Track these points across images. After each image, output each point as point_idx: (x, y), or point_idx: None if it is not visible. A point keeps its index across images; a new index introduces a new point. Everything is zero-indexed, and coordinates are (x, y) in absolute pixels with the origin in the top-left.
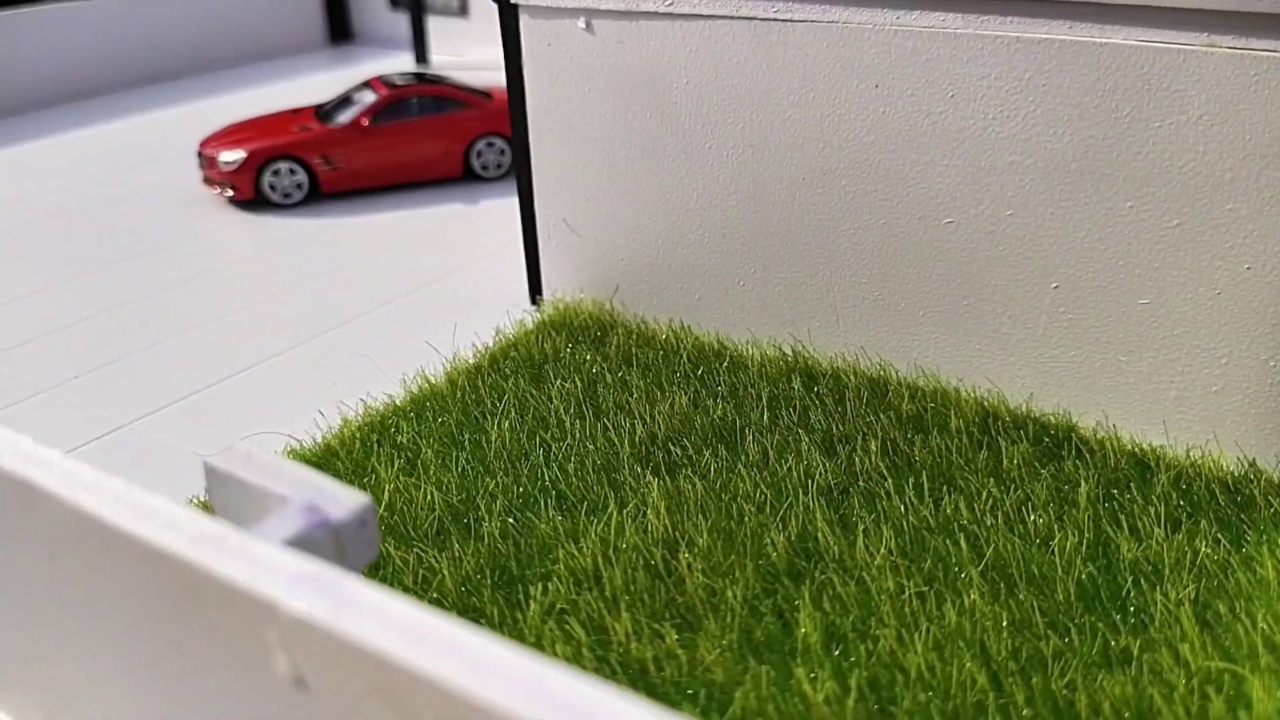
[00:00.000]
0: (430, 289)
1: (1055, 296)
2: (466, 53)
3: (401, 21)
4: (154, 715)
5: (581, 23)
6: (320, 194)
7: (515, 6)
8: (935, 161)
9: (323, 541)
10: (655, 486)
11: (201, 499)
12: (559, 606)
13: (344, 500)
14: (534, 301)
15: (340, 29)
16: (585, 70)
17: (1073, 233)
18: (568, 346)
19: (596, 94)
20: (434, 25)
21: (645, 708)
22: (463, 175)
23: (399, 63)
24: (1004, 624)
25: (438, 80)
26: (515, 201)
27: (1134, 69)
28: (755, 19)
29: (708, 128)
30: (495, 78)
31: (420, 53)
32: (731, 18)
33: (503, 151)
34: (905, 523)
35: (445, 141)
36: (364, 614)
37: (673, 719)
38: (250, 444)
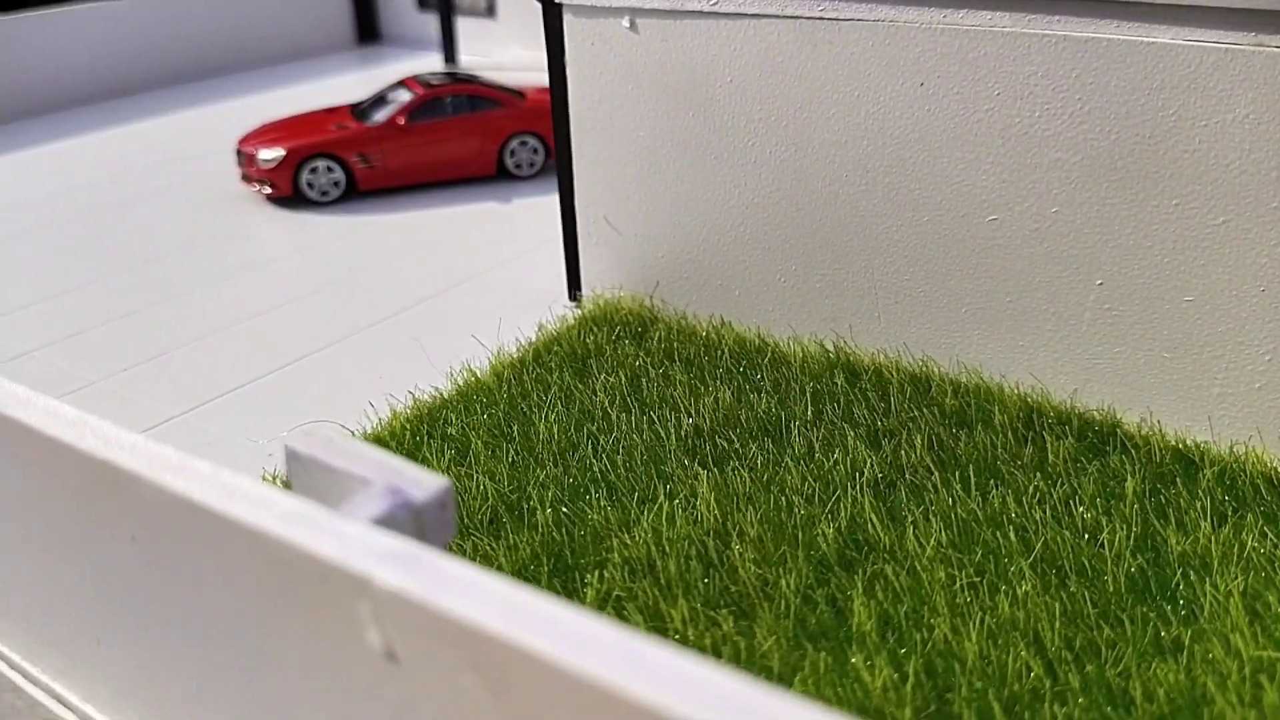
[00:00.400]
0: (469, 285)
1: (1099, 293)
2: (494, 53)
3: (428, 22)
4: (233, 691)
5: (626, 22)
6: (356, 192)
7: (559, 6)
8: (980, 159)
9: (405, 522)
10: (704, 478)
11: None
12: (615, 594)
13: (425, 483)
14: (573, 298)
15: (368, 30)
16: (628, 69)
17: (1118, 230)
18: (609, 341)
19: (639, 92)
20: (462, 26)
21: (728, 674)
22: (496, 174)
23: (426, 63)
24: (1056, 614)
25: (472, 79)
26: (549, 200)
27: (1181, 68)
28: (800, 18)
29: (751, 126)
30: (523, 78)
31: (449, 53)
32: (776, 17)
33: (536, 150)
34: (953, 515)
35: (479, 140)
36: (457, 588)
37: (740, 677)
38: (329, 430)
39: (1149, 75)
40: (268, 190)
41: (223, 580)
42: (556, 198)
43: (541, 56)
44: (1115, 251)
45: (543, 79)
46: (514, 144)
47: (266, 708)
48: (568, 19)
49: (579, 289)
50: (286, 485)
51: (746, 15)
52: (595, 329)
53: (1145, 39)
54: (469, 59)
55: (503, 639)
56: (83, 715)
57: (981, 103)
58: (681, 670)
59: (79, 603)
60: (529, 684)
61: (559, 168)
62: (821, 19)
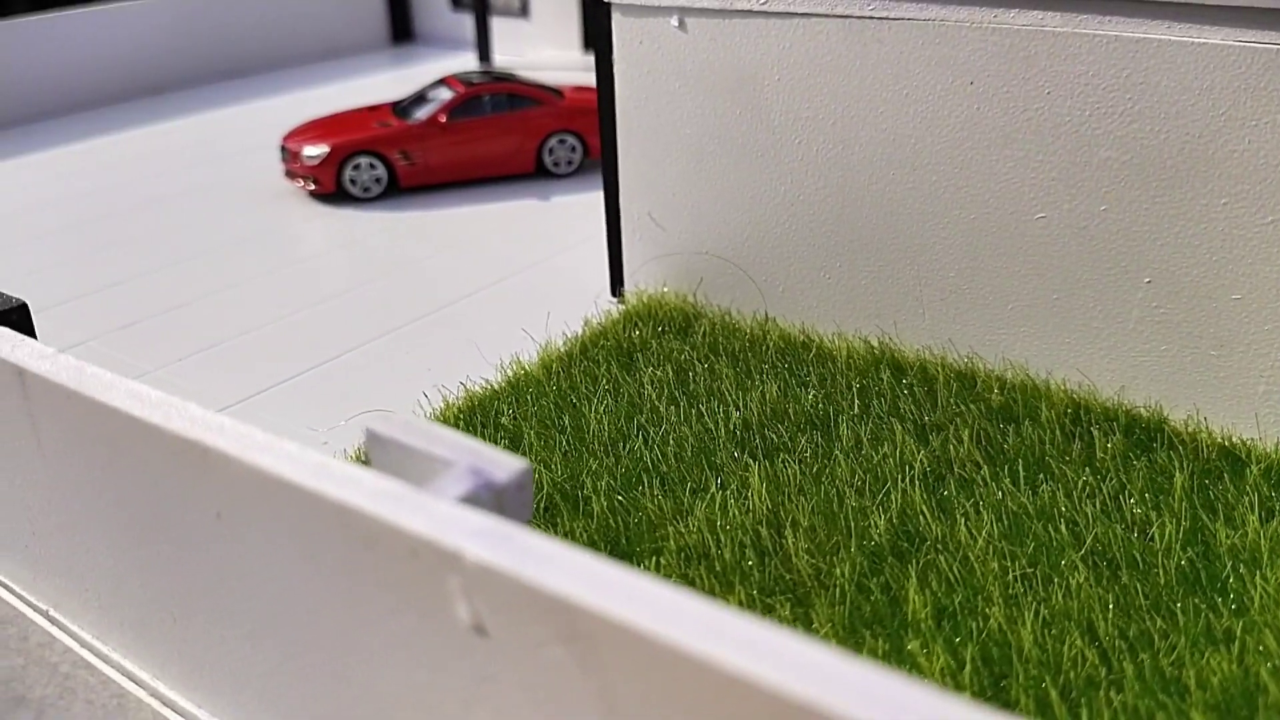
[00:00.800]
0: (511, 281)
1: (1147, 291)
2: (527, 53)
3: (461, 22)
4: (312, 665)
5: (674, 21)
6: (397, 188)
7: (608, 5)
8: (1029, 157)
9: (487, 502)
10: (754, 469)
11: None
12: (671, 580)
13: (505, 464)
14: (615, 294)
15: (402, 29)
16: (676, 67)
17: (1166, 228)
18: (654, 336)
19: (686, 90)
20: (495, 26)
21: (813, 643)
22: (534, 171)
23: (458, 62)
24: (1109, 605)
25: (511, 78)
26: (588, 197)
27: (1231, 68)
28: (850, 17)
29: (798, 123)
30: (555, 77)
31: (484, 52)
32: (826, 16)
33: (574, 149)
34: (1004, 509)
35: (518, 138)
36: (547, 563)
37: (822, 645)
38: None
39: (1199, 75)
40: (311, 186)
41: (308, 556)
42: (595, 195)
43: (573, 55)
44: (1163, 250)
45: (574, 78)
46: (553, 142)
47: (347, 681)
48: (616, 18)
49: (622, 285)
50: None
51: (796, 14)
52: (640, 324)
53: (1196, 40)
54: (502, 58)
55: (595, 611)
56: (153, 691)
57: (1031, 101)
58: (770, 640)
59: (155, 580)
60: (619, 655)
61: (604, 165)
62: (871, 18)
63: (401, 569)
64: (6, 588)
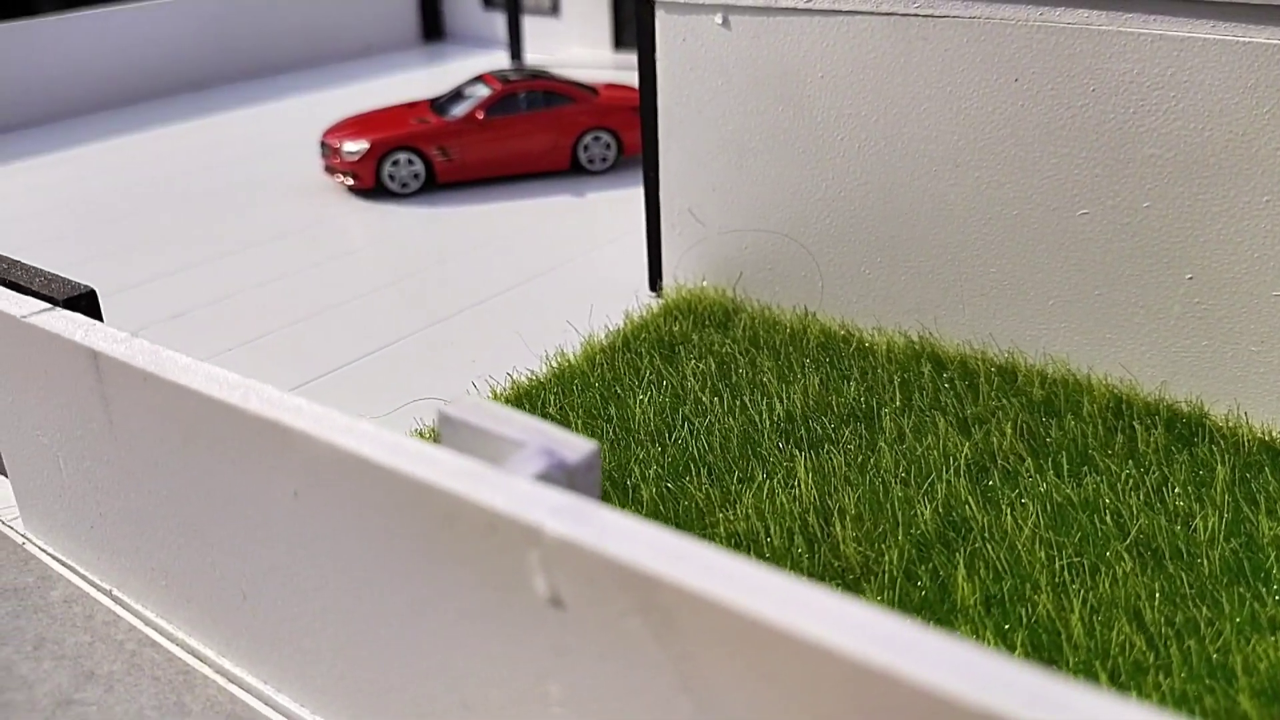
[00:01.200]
0: (550, 275)
1: (1189, 287)
2: (557, 51)
3: (491, 20)
4: (385, 638)
5: (718, 19)
6: (434, 184)
7: (652, 3)
8: (1073, 154)
9: (559, 481)
10: (800, 460)
11: None
12: None
13: (575, 445)
14: (654, 288)
15: (433, 28)
16: (719, 64)
17: (1209, 225)
18: (695, 329)
19: (729, 87)
20: (526, 24)
21: (885, 613)
22: (569, 168)
23: (489, 60)
24: (1155, 593)
25: (547, 76)
26: (622, 193)
27: (1276, 67)
28: (895, 14)
29: (841, 120)
30: (585, 75)
31: (515, 50)
32: (871, 14)
33: (608, 145)
34: (1049, 500)
35: (554, 135)
36: (626, 538)
37: (895, 616)
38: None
39: (1244, 74)
40: (350, 181)
41: (385, 532)
42: (629, 191)
43: (603, 54)
44: (1205, 246)
45: (603, 76)
46: (588, 139)
47: (420, 654)
48: (660, 15)
49: (660, 280)
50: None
51: (841, 12)
52: (680, 317)
53: (1241, 39)
54: (533, 57)
55: (674, 583)
56: (218, 667)
57: (1076, 99)
58: (850, 611)
59: (226, 559)
60: (697, 625)
61: (645, 161)
62: (917, 15)
63: (480, 544)
64: (70, 568)
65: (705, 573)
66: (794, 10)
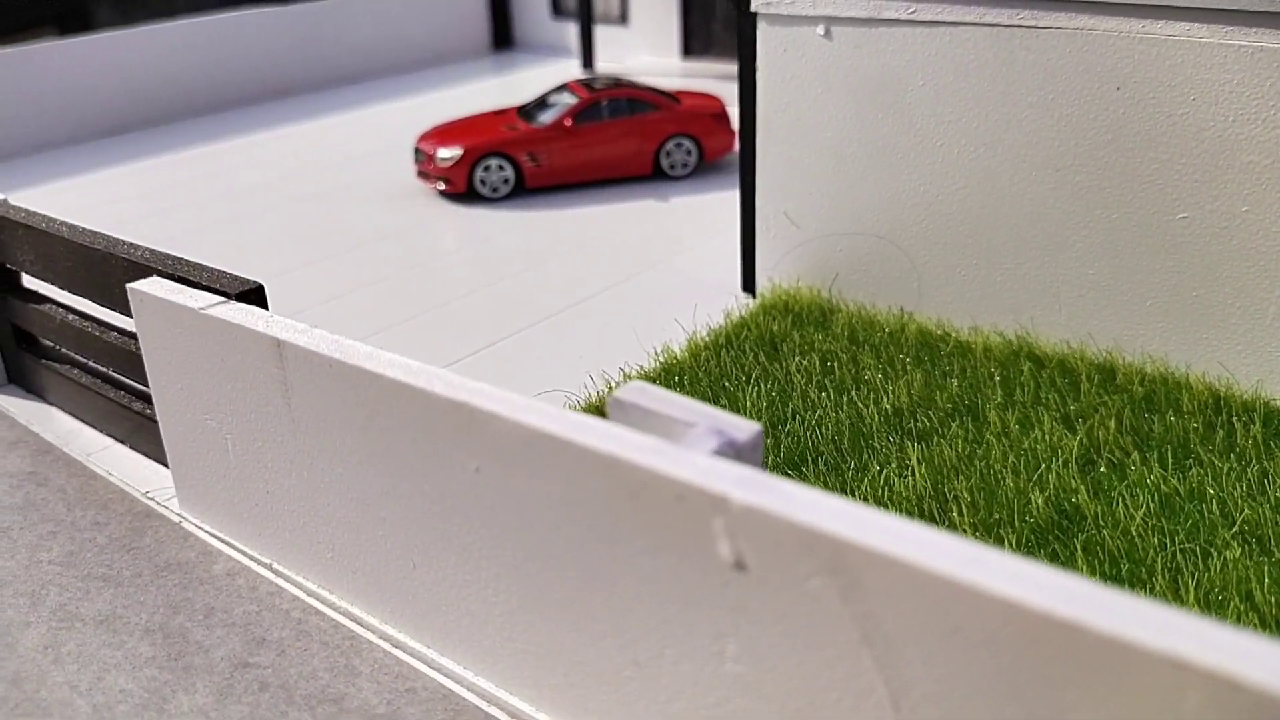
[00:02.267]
0: (643, 276)
1: None
2: (626, 59)
3: (559, 29)
4: (560, 604)
5: (821, 29)
6: (523, 189)
7: (754, 14)
8: (1173, 160)
9: (730, 458)
10: (911, 450)
11: None
12: None
13: (742, 425)
14: (747, 289)
15: (503, 36)
16: (819, 73)
17: None
18: (795, 328)
19: (829, 95)
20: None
21: (1063, 573)
22: (651, 173)
23: (559, 68)
24: (1264, 577)
25: (630, 84)
26: (705, 198)
27: None
28: (998, 25)
29: (941, 126)
30: (656, 83)
31: (588, 58)
32: (974, 25)
33: (690, 152)
34: (1157, 490)
35: (638, 141)
36: (808, 505)
37: (1074, 576)
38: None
39: None
40: (443, 186)
41: (564, 502)
42: (711, 196)
43: (672, 61)
44: None
45: (671, 84)
46: (670, 145)
47: (592, 617)
48: (762, 26)
49: (754, 281)
50: None
51: (944, 23)
52: (778, 316)
53: None
54: (602, 64)
55: (861, 545)
56: (382, 634)
57: (1177, 107)
58: (1028, 568)
59: (399, 531)
60: (882, 584)
61: (742, 166)
62: (1020, 27)
63: (665, 513)
64: (229, 544)
65: (891, 536)
66: (897, 21)
